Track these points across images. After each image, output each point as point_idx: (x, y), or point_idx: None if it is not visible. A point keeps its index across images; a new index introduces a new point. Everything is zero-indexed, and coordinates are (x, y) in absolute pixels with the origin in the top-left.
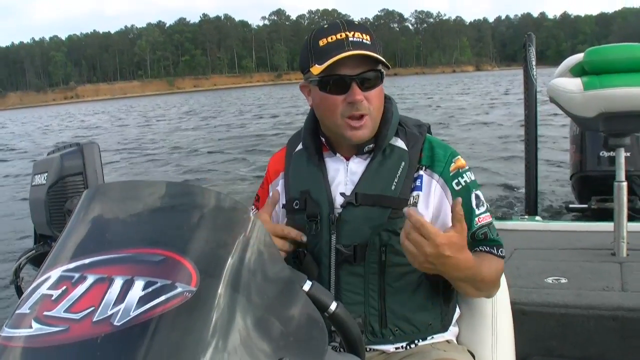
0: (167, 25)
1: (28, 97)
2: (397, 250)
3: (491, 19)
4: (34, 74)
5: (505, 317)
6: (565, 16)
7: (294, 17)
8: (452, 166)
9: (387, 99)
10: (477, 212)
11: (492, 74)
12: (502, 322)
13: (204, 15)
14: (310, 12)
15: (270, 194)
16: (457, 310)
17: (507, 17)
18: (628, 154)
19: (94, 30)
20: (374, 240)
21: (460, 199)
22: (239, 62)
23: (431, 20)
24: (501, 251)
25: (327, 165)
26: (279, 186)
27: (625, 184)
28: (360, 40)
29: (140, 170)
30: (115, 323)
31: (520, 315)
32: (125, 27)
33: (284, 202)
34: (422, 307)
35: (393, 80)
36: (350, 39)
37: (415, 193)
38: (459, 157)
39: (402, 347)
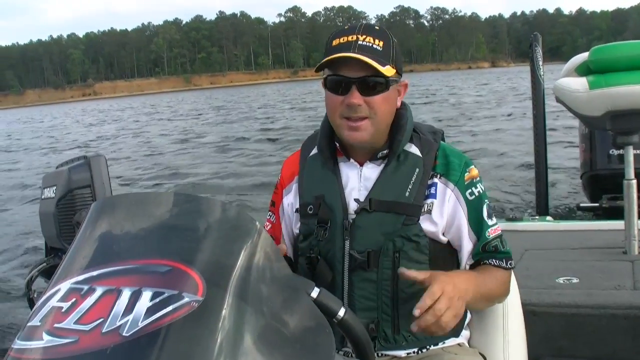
0: (184, 22)
1: (46, 94)
2: (411, 257)
3: (506, 15)
4: (52, 71)
5: (516, 318)
6: (580, 12)
7: (309, 14)
8: (467, 175)
9: (402, 105)
10: (489, 223)
11: (507, 71)
12: (513, 323)
13: (220, 12)
14: (325, 9)
15: (284, 198)
16: (468, 313)
17: (523, 13)
18: (637, 152)
19: (112, 27)
20: (388, 247)
21: (403, 270)
22: (255, 59)
23: (447, 16)
24: (510, 263)
25: (341, 170)
26: (292, 190)
27: (634, 181)
28: (370, 45)
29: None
30: (124, 334)
31: (531, 315)
32: (142, 24)
33: (298, 207)
34: None
35: (409, 77)
36: (360, 42)
37: (429, 201)
38: (473, 166)
39: (413, 352)
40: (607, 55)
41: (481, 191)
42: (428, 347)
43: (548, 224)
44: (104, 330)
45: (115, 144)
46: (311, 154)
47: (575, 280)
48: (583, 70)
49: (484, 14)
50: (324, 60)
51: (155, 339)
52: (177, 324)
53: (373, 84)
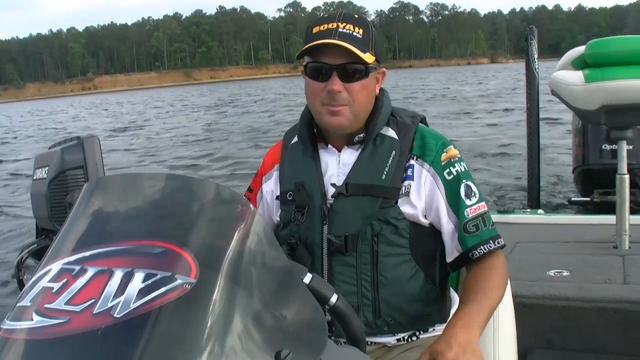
0: (184, 17)
1: (46, 88)
2: (390, 241)
3: (505, 12)
4: (52, 65)
5: (506, 310)
6: (579, 8)
7: (309, 9)
8: (444, 156)
9: (380, 90)
10: (467, 203)
11: (506, 67)
12: (504, 315)
13: (221, 7)
14: (325, 4)
15: (263, 185)
16: (457, 300)
17: (522, 9)
18: (630, 147)
19: (112, 22)
20: (366, 230)
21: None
22: (255, 54)
23: (446, 12)
24: (498, 242)
25: (320, 157)
26: (272, 178)
27: (627, 176)
28: (350, 32)
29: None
30: (115, 315)
31: (522, 308)
32: (143, 18)
33: (278, 194)
34: (417, 298)
35: (409, 72)
36: (340, 29)
37: (407, 183)
38: (451, 147)
39: (403, 339)
40: (603, 49)
41: (460, 170)
42: (418, 334)
43: (539, 216)
44: (95, 312)
45: (124, 138)
46: (292, 142)
47: (566, 273)
48: (579, 63)
49: (483, 10)
50: (305, 47)
51: (147, 321)
52: (169, 306)
53: (353, 71)
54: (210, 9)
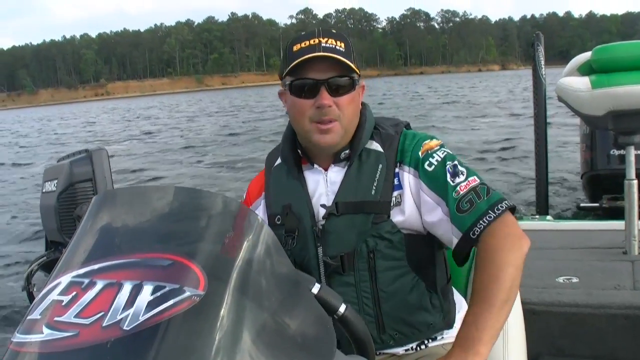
0: (196, 23)
1: (59, 93)
2: (386, 255)
3: (516, 18)
4: (65, 71)
5: (516, 316)
6: (590, 15)
7: (320, 15)
8: (422, 150)
9: (362, 105)
10: (452, 183)
11: (517, 74)
12: (513, 321)
13: (233, 14)
14: (337, 11)
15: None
16: (464, 305)
17: (533, 16)
18: (638, 152)
19: (124, 28)
20: (361, 248)
21: None
22: (267, 61)
23: (457, 19)
24: (500, 207)
25: (306, 178)
26: (260, 206)
27: (635, 182)
28: (333, 46)
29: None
30: (124, 327)
31: (531, 314)
32: (155, 25)
33: (267, 221)
34: (420, 308)
35: (420, 79)
36: (323, 44)
37: (396, 193)
38: (429, 140)
39: (412, 348)
40: (610, 55)
41: (441, 157)
42: (427, 343)
43: (548, 223)
44: (104, 324)
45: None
46: (275, 164)
47: (575, 280)
48: (586, 69)
49: (494, 17)
50: (292, 64)
51: (156, 333)
52: (178, 318)
53: (341, 85)
54: (222, 16)
